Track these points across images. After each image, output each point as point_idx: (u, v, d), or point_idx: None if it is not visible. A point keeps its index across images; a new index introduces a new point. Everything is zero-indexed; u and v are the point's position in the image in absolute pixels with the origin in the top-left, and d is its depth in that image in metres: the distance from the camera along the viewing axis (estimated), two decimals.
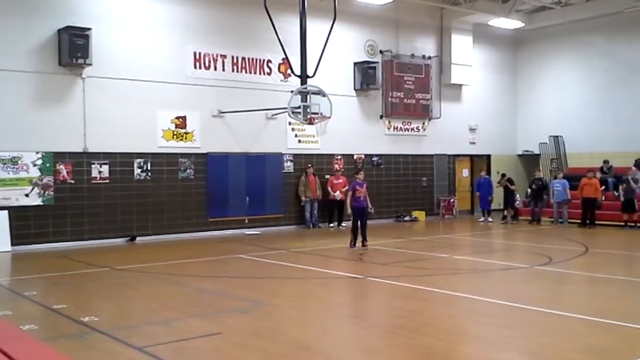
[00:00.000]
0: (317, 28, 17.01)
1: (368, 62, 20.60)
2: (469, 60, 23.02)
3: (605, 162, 20.87)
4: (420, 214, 21.81)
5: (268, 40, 17.02)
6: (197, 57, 17.51)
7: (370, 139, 21.07)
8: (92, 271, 11.95)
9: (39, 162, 15.14)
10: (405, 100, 21.81)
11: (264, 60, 18.62)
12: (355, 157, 20.75)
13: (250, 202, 18.26)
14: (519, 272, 11.50)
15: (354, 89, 20.67)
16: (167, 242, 16.21)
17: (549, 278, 11.00)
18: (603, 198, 19.25)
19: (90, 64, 15.42)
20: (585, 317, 7.79)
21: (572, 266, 12.10)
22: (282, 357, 6.39)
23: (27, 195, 14.97)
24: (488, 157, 24.38)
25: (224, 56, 17.91)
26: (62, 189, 15.44)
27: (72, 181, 15.58)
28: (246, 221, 18.29)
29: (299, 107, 14.99)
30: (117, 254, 14.32)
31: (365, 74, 20.45)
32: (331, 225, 19.53)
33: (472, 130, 23.78)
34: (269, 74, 18.74)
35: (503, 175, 21.51)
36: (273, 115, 18.36)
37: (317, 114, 15.13)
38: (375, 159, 21.20)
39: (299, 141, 19.46)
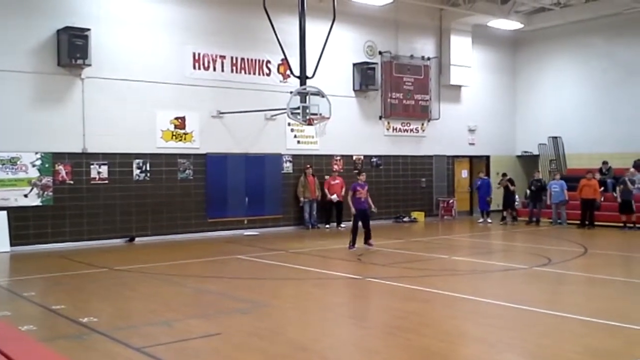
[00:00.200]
0: (316, 29, 17.01)
1: (367, 63, 20.61)
2: (468, 61, 23.03)
3: (604, 163, 20.88)
4: (419, 215, 21.81)
5: (267, 41, 17.02)
6: (196, 57, 17.50)
7: (370, 139, 21.07)
8: (91, 272, 11.94)
9: (38, 162, 15.13)
10: (404, 101, 21.82)
11: (263, 61, 18.62)
12: (354, 157, 20.76)
13: (250, 202, 18.25)
14: (518, 273, 11.50)
15: (353, 89, 20.67)
16: (166, 243, 16.20)
17: (548, 279, 11.00)
18: (602, 199, 19.26)
19: (90, 65, 15.42)
20: (585, 318, 7.79)
21: (571, 267, 12.10)
22: (282, 357, 6.39)
23: (26, 195, 14.96)
24: (487, 158, 24.39)
25: (223, 57, 17.91)
26: (61, 190, 15.43)
27: (71, 182, 15.57)
28: (245, 222, 18.28)
29: (298, 108, 15.00)
30: (116, 254, 14.31)
31: (364, 74, 20.45)
32: (327, 226, 19.52)
33: (471, 131, 23.79)
34: (268, 74, 18.74)
35: (504, 174, 21.51)
36: (272, 116, 18.36)
37: (316, 114, 15.13)
38: (374, 159, 21.21)
39: (298, 142, 19.46)
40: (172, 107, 17.08)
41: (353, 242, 14.38)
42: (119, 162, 16.28)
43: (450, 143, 23.05)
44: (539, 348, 6.60)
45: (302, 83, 15.26)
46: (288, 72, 16.61)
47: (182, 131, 17.27)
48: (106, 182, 16.07)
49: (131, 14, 16.47)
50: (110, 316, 8.23)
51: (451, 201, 22.75)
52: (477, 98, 23.87)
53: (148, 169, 16.71)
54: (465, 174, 24.00)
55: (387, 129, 21.60)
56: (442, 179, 23.00)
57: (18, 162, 14.86)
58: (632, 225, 18.37)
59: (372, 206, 14.70)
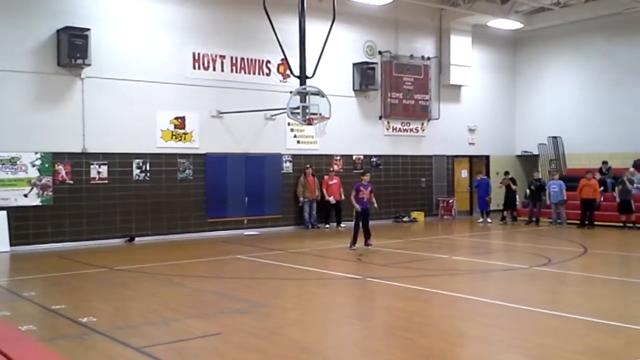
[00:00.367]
0: (316, 29, 17.01)
1: (367, 63, 20.60)
2: (468, 61, 23.03)
3: (604, 162, 20.89)
4: (419, 215, 21.82)
5: (267, 41, 17.01)
6: (196, 57, 17.50)
7: (369, 139, 21.07)
8: (91, 271, 11.94)
9: (38, 162, 15.12)
10: (404, 101, 21.82)
11: (263, 60, 18.62)
12: (354, 157, 20.76)
13: (249, 202, 18.25)
14: (518, 273, 11.50)
15: (353, 89, 20.67)
16: (166, 243, 16.20)
17: (548, 279, 10.99)
18: (602, 199, 19.26)
19: (89, 65, 15.41)
20: (585, 317, 7.78)
21: (571, 267, 12.10)
22: (282, 357, 6.38)
23: (26, 195, 14.95)
24: (487, 157, 24.40)
25: (223, 57, 17.90)
26: (61, 190, 15.42)
27: (71, 181, 15.57)
28: (245, 222, 18.28)
29: (298, 108, 14.98)
30: (116, 254, 14.31)
31: (364, 74, 20.45)
32: (327, 226, 19.52)
33: (471, 130, 23.79)
34: (268, 74, 18.74)
35: (506, 173, 21.50)
36: (272, 115, 18.36)
37: (316, 114, 15.12)
38: (374, 159, 21.20)
39: (298, 142, 19.46)
40: (172, 107, 17.08)
41: (354, 242, 14.41)
42: (119, 162, 16.28)
43: (450, 143, 23.06)
44: (539, 348, 6.60)
45: (302, 83, 15.25)
46: (288, 72, 16.59)
47: (182, 131, 17.27)
48: (106, 182, 16.06)
49: (131, 14, 16.47)
50: (110, 316, 8.23)
51: (451, 201, 22.75)
52: (477, 98, 23.87)
53: (148, 168, 16.71)
54: (465, 173, 24.00)
55: (387, 129, 21.59)
56: (442, 179, 23.01)
57: (18, 162, 14.86)
58: (631, 225, 18.37)
59: (374, 202, 14.70)
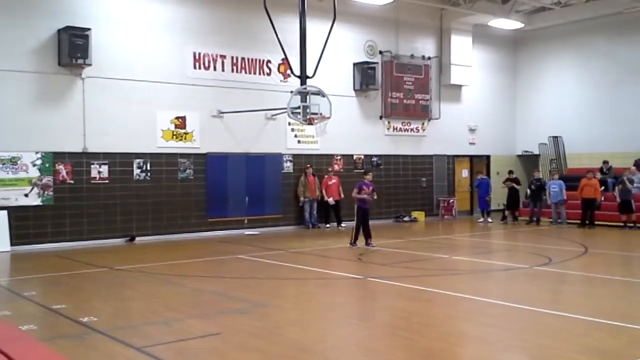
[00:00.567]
0: (316, 28, 17.01)
1: (368, 63, 20.60)
2: (468, 60, 23.02)
3: (605, 162, 20.88)
4: (419, 215, 21.81)
5: (268, 41, 17.01)
6: (197, 57, 17.50)
7: (370, 139, 21.07)
8: (92, 271, 11.94)
9: (39, 162, 15.13)
10: (404, 101, 21.81)
11: (263, 60, 18.62)
12: (354, 157, 20.76)
13: (250, 202, 18.25)
14: (518, 273, 11.50)
15: (354, 89, 20.67)
16: (167, 243, 16.20)
17: (548, 279, 10.99)
18: (602, 198, 19.25)
19: (90, 64, 15.42)
20: (586, 317, 7.78)
21: (571, 267, 12.09)
22: (282, 357, 6.38)
23: (26, 195, 14.96)
24: (487, 157, 24.39)
25: (223, 56, 17.90)
26: (61, 189, 15.43)
27: (72, 181, 15.57)
28: (245, 221, 18.28)
29: (299, 108, 14.98)
30: (116, 254, 14.31)
31: (364, 74, 20.44)
32: (328, 225, 19.51)
33: (471, 130, 23.79)
34: (268, 74, 18.74)
35: (510, 172, 21.47)
36: (273, 115, 18.36)
37: (316, 114, 15.12)
38: (374, 159, 21.20)
39: (299, 141, 19.46)
40: (173, 107, 17.08)
41: (355, 239, 14.43)
42: (120, 161, 16.28)
43: (450, 143, 23.05)
44: (540, 348, 6.59)
45: (303, 82, 15.24)
46: (288, 71, 16.59)
47: (183, 131, 17.27)
48: (106, 181, 16.07)
49: (131, 14, 16.47)
50: (110, 316, 8.23)
51: (451, 201, 22.74)
52: (477, 97, 23.86)
53: (148, 168, 16.71)
54: (465, 173, 23.99)
55: (388, 129, 21.59)
56: (443, 179, 23.00)
57: (18, 162, 14.86)
58: (632, 224, 18.37)
59: (375, 196, 14.72)
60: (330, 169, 19.83)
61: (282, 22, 16.96)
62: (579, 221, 19.14)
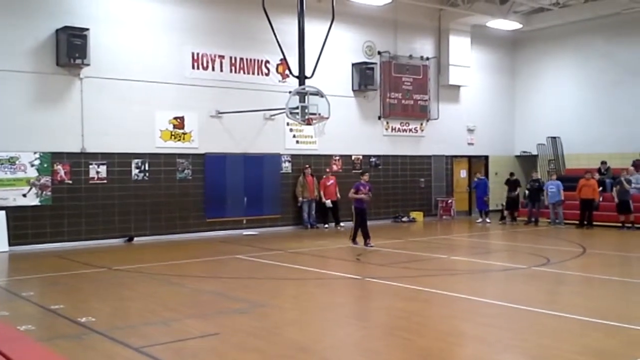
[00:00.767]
0: (315, 29, 17.01)
1: (366, 63, 20.61)
2: (467, 61, 23.04)
3: (603, 163, 20.89)
4: (418, 215, 21.82)
5: (266, 41, 17.02)
6: (195, 57, 17.49)
7: (368, 139, 21.07)
8: (90, 271, 11.93)
9: (37, 162, 15.11)
10: (403, 101, 21.83)
11: (262, 60, 18.62)
12: (353, 157, 20.76)
13: (248, 202, 18.25)
14: (517, 273, 11.50)
15: (352, 89, 20.68)
16: (165, 243, 16.19)
17: (547, 279, 11.00)
18: (601, 199, 19.27)
19: (88, 65, 15.41)
20: (584, 318, 7.79)
21: (570, 267, 12.10)
22: (281, 357, 6.38)
23: (24, 195, 14.94)
24: (486, 158, 24.41)
25: (222, 57, 17.90)
26: (59, 189, 15.41)
27: (70, 181, 15.56)
28: (244, 222, 18.28)
29: (297, 108, 14.98)
30: (114, 254, 14.30)
31: (363, 74, 20.45)
32: (326, 225, 19.51)
33: (470, 131, 23.80)
34: (267, 74, 18.74)
35: (511, 174, 21.48)
36: (271, 115, 18.36)
37: (315, 114, 15.12)
38: (373, 159, 21.20)
39: (297, 142, 19.46)
40: (171, 107, 17.07)
41: (354, 237, 14.50)
42: (118, 161, 16.27)
43: (449, 143, 23.06)
44: (538, 348, 6.60)
45: (301, 83, 15.24)
46: (287, 72, 16.60)
47: (181, 131, 17.26)
48: (105, 181, 16.06)
49: (130, 14, 16.46)
50: (108, 316, 8.22)
51: (450, 201, 22.75)
52: (476, 98, 23.88)
53: (147, 168, 16.70)
54: (464, 173, 24.01)
55: (386, 129, 21.60)
56: (441, 179, 23.01)
57: (17, 162, 14.85)
58: (630, 225, 18.39)
59: (371, 195, 14.78)
60: (328, 170, 19.84)
61: (281, 23, 16.96)
62: (577, 222, 19.16)
